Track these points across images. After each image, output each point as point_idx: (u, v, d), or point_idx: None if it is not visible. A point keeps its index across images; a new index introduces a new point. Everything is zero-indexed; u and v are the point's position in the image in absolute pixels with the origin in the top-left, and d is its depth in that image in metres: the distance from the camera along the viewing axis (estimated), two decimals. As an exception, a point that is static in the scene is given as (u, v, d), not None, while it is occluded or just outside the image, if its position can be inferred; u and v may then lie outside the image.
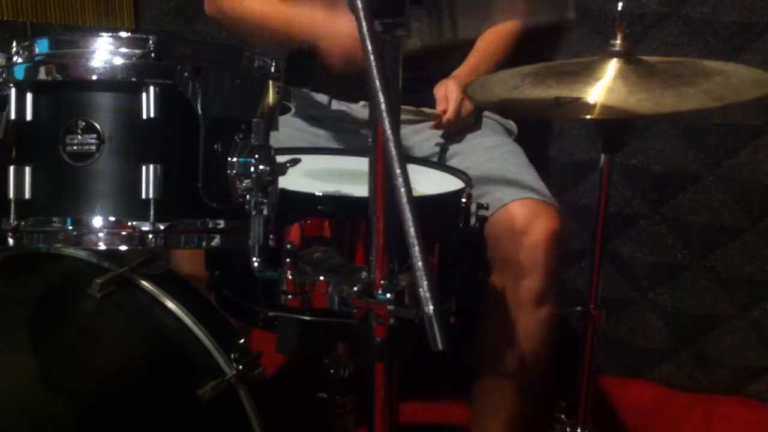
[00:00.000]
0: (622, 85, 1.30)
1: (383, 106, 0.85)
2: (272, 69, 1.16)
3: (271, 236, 1.09)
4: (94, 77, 1.05)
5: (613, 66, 1.33)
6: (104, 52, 1.06)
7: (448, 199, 1.31)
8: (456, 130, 1.72)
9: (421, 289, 0.81)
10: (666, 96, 1.26)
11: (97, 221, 1.05)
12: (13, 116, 1.07)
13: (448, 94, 1.65)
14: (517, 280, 1.55)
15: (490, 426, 1.68)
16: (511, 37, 1.81)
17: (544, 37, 1.91)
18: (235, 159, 1.09)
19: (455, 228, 1.32)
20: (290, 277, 1.06)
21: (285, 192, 1.12)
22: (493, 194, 1.58)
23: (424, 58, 1.61)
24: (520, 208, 1.55)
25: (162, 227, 1.05)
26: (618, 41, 1.34)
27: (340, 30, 1.49)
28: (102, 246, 1.06)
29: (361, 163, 1.45)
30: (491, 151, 1.71)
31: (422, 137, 1.75)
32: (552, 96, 1.31)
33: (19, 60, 1.08)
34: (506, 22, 1.81)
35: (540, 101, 1.32)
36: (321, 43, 1.55)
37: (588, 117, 1.30)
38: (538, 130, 1.97)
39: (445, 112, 1.65)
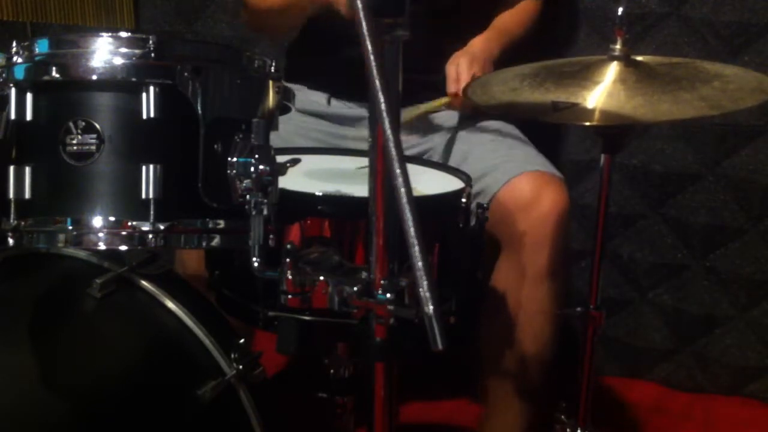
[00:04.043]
0: (620, 89, 1.30)
1: (383, 106, 0.85)
2: (272, 69, 1.17)
3: (271, 236, 1.09)
4: (94, 77, 1.05)
5: (611, 69, 1.33)
6: (104, 52, 1.06)
7: (448, 199, 1.32)
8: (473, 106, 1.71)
9: (421, 289, 0.81)
10: (663, 102, 1.26)
11: (97, 221, 1.05)
12: (13, 116, 1.07)
13: (459, 72, 1.63)
14: (525, 255, 1.55)
15: (498, 423, 1.68)
16: (528, 13, 1.81)
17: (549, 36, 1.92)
18: (235, 159, 1.09)
19: (455, 228, 1.32)
20: (290, 277, 1.06)
21: (285, 192, 1.12)
22: (499, 170, 1.58)
23: (429, 59, 1.61)
24: (526, 180, 1.56)
25: (162, 227, 1.05)
26: (618, 46, 1.34)
27: None
28: (102, 246, 1.06)
29: (361, 163, 1.46)
30: (495, 133, 1.72)
31: (431, 125, 1.76)
32: (550, 100, 1.31)
33: (19, 60, 1.08)
34: (522, 3, 1.81)
35: (538, 105, 1.32)
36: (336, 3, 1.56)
37: (585, 123, 1.30)
38: (538, 130, 1.97)
39: (455, 94, 1.63)
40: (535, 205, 1.53)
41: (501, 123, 1.78)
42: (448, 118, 1.77)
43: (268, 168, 1.07)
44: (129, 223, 1.05)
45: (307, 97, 1.79)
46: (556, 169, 1.63)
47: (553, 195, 1.55)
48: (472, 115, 1.76)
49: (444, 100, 1.66)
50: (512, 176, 1.56)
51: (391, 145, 0.84)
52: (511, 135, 1.73)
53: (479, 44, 1.69)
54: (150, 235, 1.05)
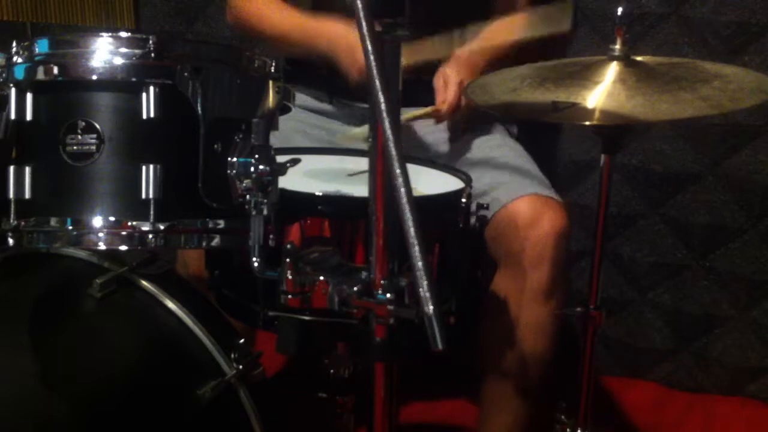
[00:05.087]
0: (620, 89, 1.30)
1: (383, 107, 0.85)
2: (272, 69, 1.16)
3: (271, 236, 1.09)
4: (94, 77, 1.05)
5: (611, 69, 1.33)
6: (104, 52, 1.06)
7: (448, 199, 1.32)
8: (462, 119, 1.70)
9: (421, 289, 0.81)
10: (663, 102, 1.26)
11: (97, 221, 1.05)
12: (13, 116, 1.07)
13: (446, 80, 1.63)
14: (523, 275, 1.55)
15: (498, 424, 1.68)
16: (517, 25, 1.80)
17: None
18: (235, 159, 1.09)
19: (455, 228, 1.32)
20: (290, 277, 1.06)
21: (285, 192, 1.12)
22: (498, 190, 1.58)
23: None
24: (526, 203, 1.56)
25: (162, 227, 1.05)
26: (617, 45, 1.34)
27: (358, 44, 1.50)
28: (102, 246, 1.06)
29: (361, 163, 1.46)
30: (495, 150, 1.72)
31: (433, 137, 1.76)
32: (550, 100, 1.31)
33: (19, 60, 1.08)
34: (515, 15, 1.80)
35: (538, 105, 1.32)
36: (339, 57, 1.56)
37: (585, 123, 1.30)
38: (538, 130, 1.98)
39: (441, 104, 1.62)
40: (535, 227, 1.54)
41: (502, 138, 1.77)
42: (449, 137, 1.76)
43: (268, 168, 1.07)
44: (129, 223, 1.05)
45: (308, 94, 1.79)
46: (556, 193, 1.63)
47: (552, 217, 1.55)
48: (460, 128, 1.75)
49: (428, 109, 1.64)
50: (513, 198, 1.56)
51: (391, 145, 0.84)
52: (515, 155, 1.73)
53: (465, 53, 1.69)
54: (150, 235, 1.05)
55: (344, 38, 1.56)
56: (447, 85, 1.63)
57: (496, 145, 1.74)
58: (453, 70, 1.64)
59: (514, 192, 1.58)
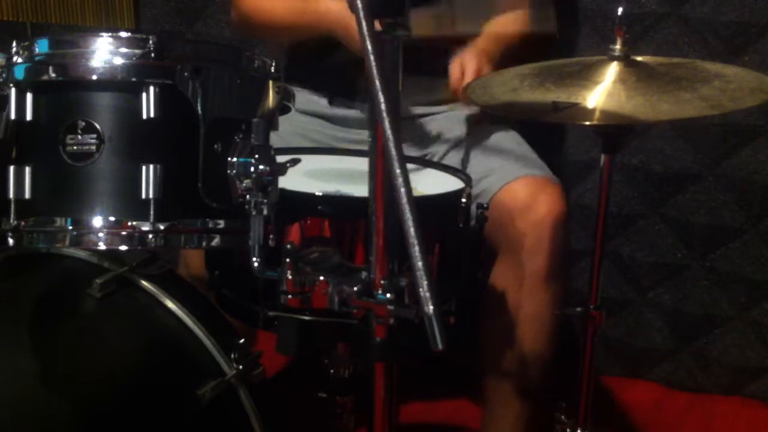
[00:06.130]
0: (620, 89, 1.30)
1: (383, 106, 0.85)
2: (272, 69, 1.17)
3: (271, 236, 1.09)
4: (94, 77, 1.05)
5: (611, 69, 1.33)
6: (104, 52, 1.06)
7: (448, 199, 1.32)
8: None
9: (421, 289, 0.81)
10: (663, 102, 1.26)
11: (97, 221, 1.05)
12: (13, 116, 1.07)
13: (464, 63, 1.60)
14: (521, 265, 1.55)
15: (499, 423, 1.68)
16: (519, 21, 1.80)
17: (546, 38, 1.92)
18: (235, 159, 1.09)
19: (455, 228, 1.32)
20: (290, 277, 1.06)
21: (285, 192, 1.12)
22: (495, 174, 1.58)
23: (425, 57, 1.61)
24: (520, 186, 1.56)
25: (162, 227, 1.05)
26: (617, 46, 1.34)
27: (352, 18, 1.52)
28: (102, 246, 1.06)
29: (361, 163, 1.46)
30: (492, 137, 1.72)
31: (425, 129, 1.76)
32: (550, 100, 1.31)
33: (19, 60, 1.08)
34: (518, 11, 1.81)
35: (538, 105, 1.32)
36: (337, 31, 1.57)
37: (585, 123, 1.30)
38: (538, 130, 1.97)
39: (456, 92, 1.60)
40: (531, 210, 1.53)
41: (498, 125, 1.77)
42: (449, 128, 1.76)
43: (268, 168, 1.07)
44: (129, 223, 1.05)
45: (308, 97, 1.79)
46: (553, 174, 1.63)
47: (549, 199, 1.54)
48: (479, 119, 1.75)
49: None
50: (508, 181, 1.56)
51: (391, 145, 0.84)
52: (510, 141, 1.73)
53: (479, 42, 1.69)
54: (150, 235, 1.05)
55: (337, 12, 1.56)
56: (465, 68, 1.59)
57: (492, 132, 1.74)
58: (471, 56, 1.61)
59: (511, 174, 1.57)
